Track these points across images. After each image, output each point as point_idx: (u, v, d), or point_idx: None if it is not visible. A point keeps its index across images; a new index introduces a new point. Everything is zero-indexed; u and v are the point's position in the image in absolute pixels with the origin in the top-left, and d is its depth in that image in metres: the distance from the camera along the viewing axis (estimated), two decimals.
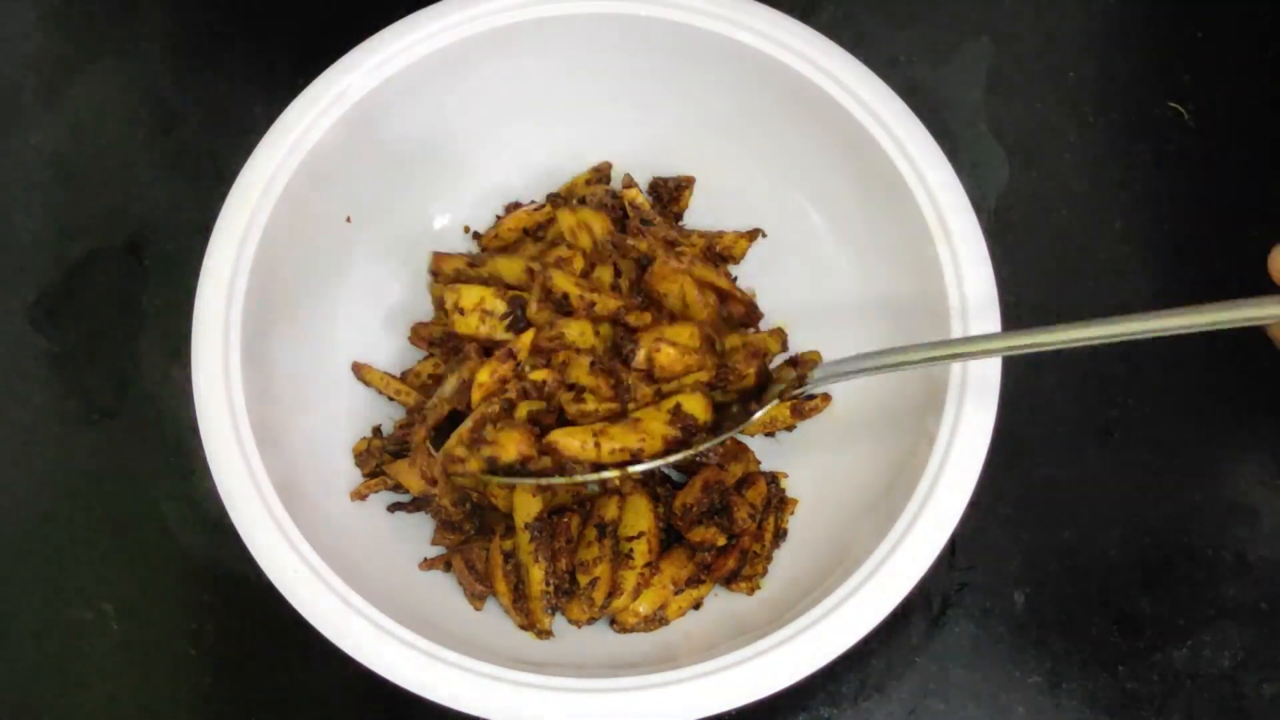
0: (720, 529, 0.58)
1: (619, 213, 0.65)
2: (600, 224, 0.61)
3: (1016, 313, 0.62)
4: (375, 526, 0.60)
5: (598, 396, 0.57)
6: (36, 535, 0.64)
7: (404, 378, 0.63)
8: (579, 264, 0.60)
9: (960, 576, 0.63)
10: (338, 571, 0.53)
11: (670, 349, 0.58)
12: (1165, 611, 0.62)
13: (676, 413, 0.57)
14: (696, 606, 0.59)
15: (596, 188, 0.64)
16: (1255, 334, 0.67)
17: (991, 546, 0.63)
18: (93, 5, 0.77)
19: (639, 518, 0.59)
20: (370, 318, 0.65)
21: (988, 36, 0.74)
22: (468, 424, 0.57)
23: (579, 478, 0.56)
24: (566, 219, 0.62)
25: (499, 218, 0.67)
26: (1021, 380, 0.65)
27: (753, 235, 0.65)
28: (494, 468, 0.56)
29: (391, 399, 0.63)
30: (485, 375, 0.57)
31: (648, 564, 0.58)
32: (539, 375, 0.57)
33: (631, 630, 0.58)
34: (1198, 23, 0.74)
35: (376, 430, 0.63)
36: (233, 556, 0.53)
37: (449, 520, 0.60)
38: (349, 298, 0.64)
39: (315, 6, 0.75)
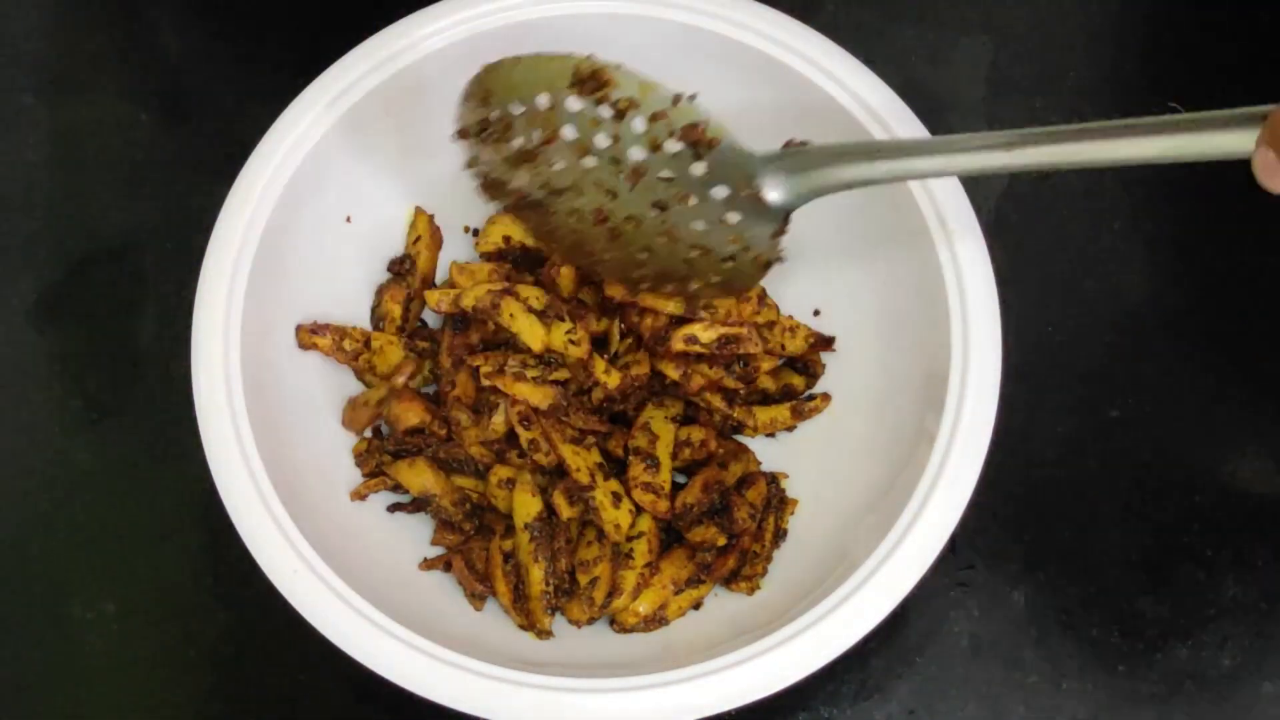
0: (720, 529, 0.58)
1: None
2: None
3: (1016, 313, 0.61)
4: (375, 526, 0.60)
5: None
6: (36, 535, 0.64)
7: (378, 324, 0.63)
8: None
9: (960, 576, 0.63)
10: (338, 571, 0.52)
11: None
12: (1165, 611, 0.62)
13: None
14: (696, 606, 0.59)
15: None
16: (1254, 333, 0.67)
17: (991, 546, 0.63)
18: (93, 5, 0.77)
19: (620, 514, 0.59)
20: (370, 318, 0.65)
21: (988, 36, 0.74)
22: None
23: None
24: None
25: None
26: (1021, 380, 0.65)
27: None
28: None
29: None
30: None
31: (648, 564, 0.58)
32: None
33: (631, 630, 0.58)
34: (1198, 23, 0.74)
35: (376, 430, 0.63)
36: (233, 556, 0.53)
37: (449, 520, 0.60)
38: (349, 298, 0.64)
39: (315, 7, 0.75)
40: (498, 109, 0.56)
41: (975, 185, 0.65)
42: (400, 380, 0.61)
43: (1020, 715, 0.61)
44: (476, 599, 0.59)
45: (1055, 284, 0.69)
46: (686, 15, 0.61)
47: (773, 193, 0.54)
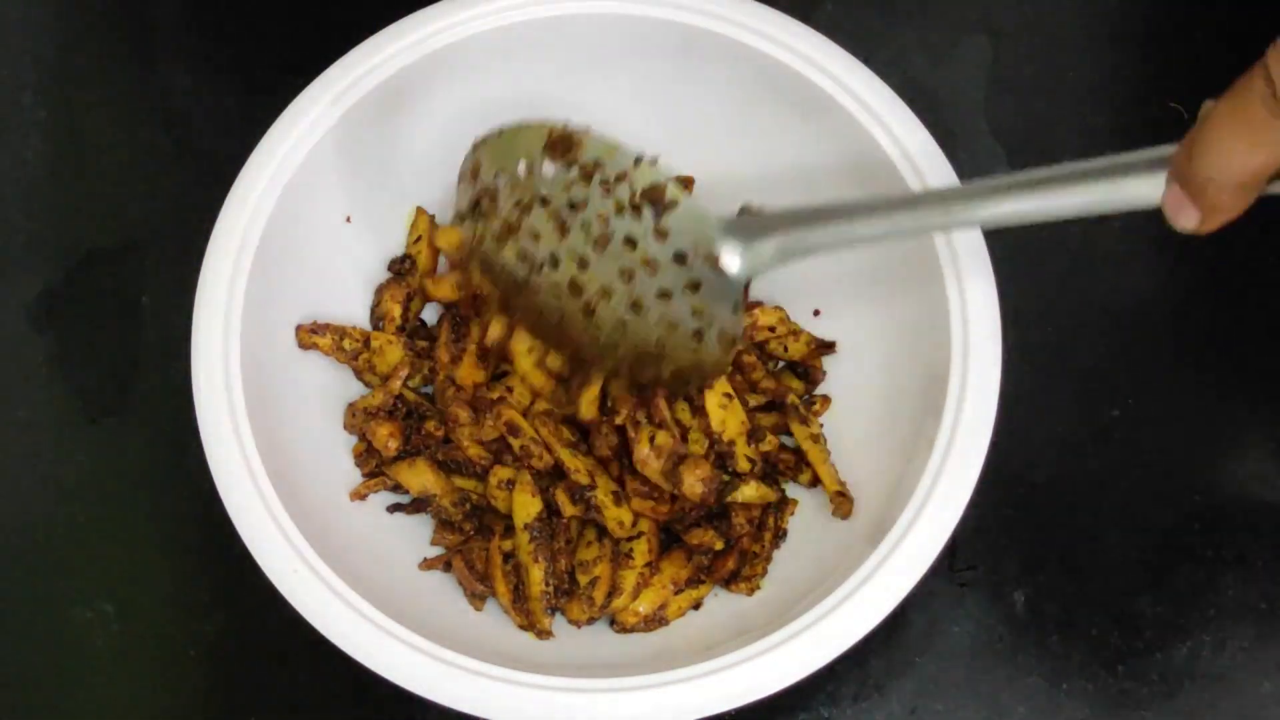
0: (718, 533, 0.58)
1: None
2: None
3: (1017, 313, 0.61)
4: (375, 526, 0.60)
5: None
6: (36, 535, 0.64)
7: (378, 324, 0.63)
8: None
9: (960, 576, 0.63)
10: (338, 571, 0.52)
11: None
12: (1165, 611, 0.62)
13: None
14: (696, 606, 0.59)
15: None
16: (1254, 333, 0.67)
17: (991, 546, 0.63)
18: (93, 5, 0.77)
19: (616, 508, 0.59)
20: (370, 317, 0.65)
21: (987, 36, 0.74)
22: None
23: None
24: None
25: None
26: (1021, 380, 0.65)
27: None
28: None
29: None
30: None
31: (648, 564, 0.58)
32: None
33: (631, 630, 0.58)
34: (1198, 23, 0.74)
35: None
36: (233, 556, 0.53)
37: (449, 520, 0.60)
38: (349, 298, 0.64)
39: (316, 6, 0.75)
40: (485, 183, 0.56)
41: None
42: (396, 384, 0.61)
43: (1020, 715, 0.61)
44: (476, 599, 0.59)
45: (1055, 284, 0.69)
46: (686, 15, 0.61)
47: (730, 260, 0.52)
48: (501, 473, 0.60)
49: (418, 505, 0.61)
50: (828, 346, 0.64)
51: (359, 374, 0.63)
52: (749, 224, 0.53)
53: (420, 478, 0.59)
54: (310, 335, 0.60)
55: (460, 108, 0.64)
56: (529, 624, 0.58)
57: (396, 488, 0.61)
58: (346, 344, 0.61)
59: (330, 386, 0.62)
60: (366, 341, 0.62)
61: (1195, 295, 0.68)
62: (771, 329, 0.62)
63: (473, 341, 0.61)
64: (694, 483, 0.57)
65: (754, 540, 0.60)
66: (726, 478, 0.58)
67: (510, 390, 0.61)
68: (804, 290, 0.65)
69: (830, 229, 0.51)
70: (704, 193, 0.67)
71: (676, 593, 0.59)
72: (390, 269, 0.65)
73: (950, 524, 0.53)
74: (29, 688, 0.61)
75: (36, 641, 0.62)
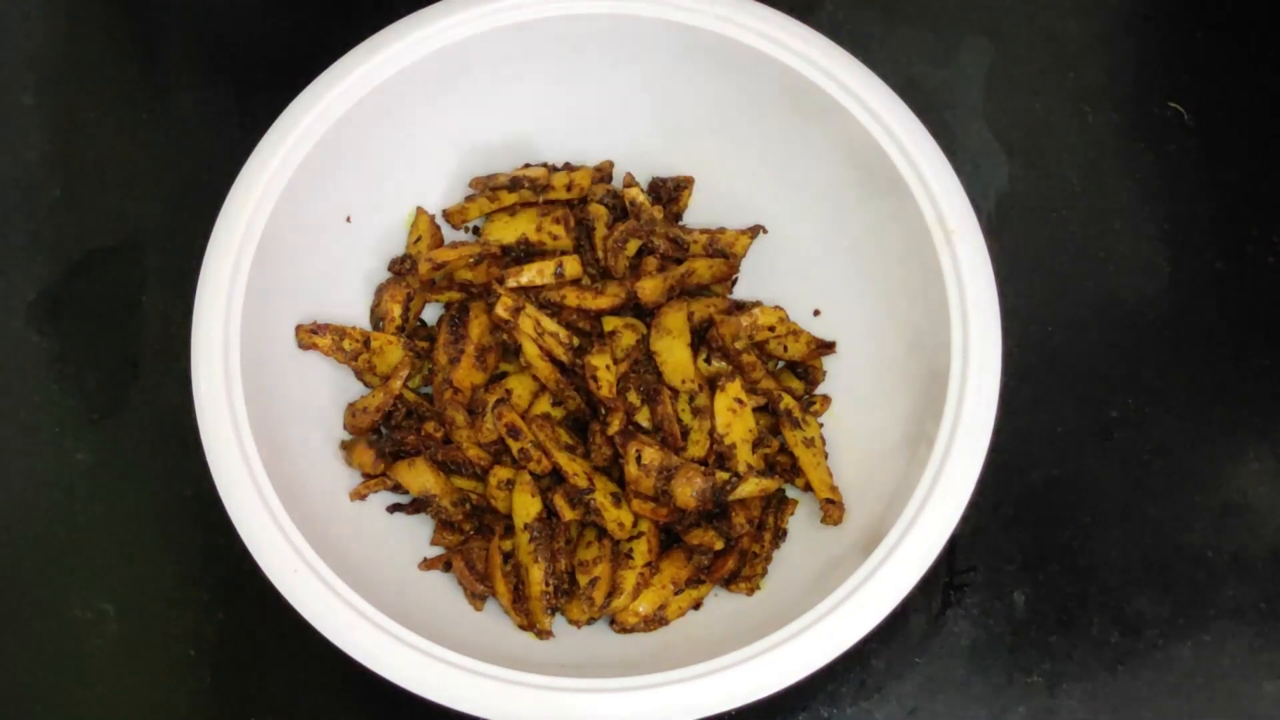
0: (718, 533, 0.58)
1: (620, 212, 0.65)
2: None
3: (1017, 313, 0.62)
4: (375, 526, 0.60)
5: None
6: (36, 535, 0.64)
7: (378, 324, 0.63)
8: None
9: (960, 577, 0.63)
10: (338, 571, 0.52)
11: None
12: (1165, 611, 0.62)
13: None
14: (696, 606, 0.59)
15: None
16: (1254, 333, 0.68)
17: (991, 546, 0.63)
18: (93, 5, 0.77)
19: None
20: (370, 318, 0.65)
21: (988, 36, 0.74)
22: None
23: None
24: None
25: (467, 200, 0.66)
26: (1021, 380, 0.65)
27: (754, 232, 0.65)
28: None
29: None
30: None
31: (648, 564, 0.58)
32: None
33: (631, 630, 0.58)
34: (1198, 23, 0.74)
35: (376, 431, 0.63)
36: (233, 556, 0.53)
37: (449, 520, 0.60)
38: (349, 298, 0.64)
39: (316, 6, 0.75)
40: None
41: (975, 185, 0.65)
42: (396, 384, 0.60)
43: (1020, 715, 0.61)
44: (476, 599, 0.59)
45: (1055, 284, 0.69)
46: (686, 15, 0.61)
47: None
48: (501, 473, 0.60)
49: (418, 505, 0.61)
50: (828, 346, 0.64)
51: (359, 374, 0.63)
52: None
53: (420, 478, 0.59)
54: (310, 335, 0.61)
55: (460, 108, 0.64)
56: (529, 624, 0.58)
57: (396, 488, 0.61)
58: (346, 344, 0.61)
59: (330, 386, 0.62)
60: (366, 342, 0.62)
61: (1195, 295, 0.68)
62: (771, 329, 0.62)
63: (471, 343, 0.61)
64: (687, 496, 0.57)
65: (754, 540, 0.60)
66: (726, 475, 0.58)
67: (509, 392, 0.61)
68: (804, 290, 0.65)
69: None
70: (704, 193, 0.67)
71: (676, 593, 0.59)
72: (390, 269, 0.65)
73: (950, 524, 0.53)
74: (29, 688, 0.61)
75: (36, 641, 0.62)
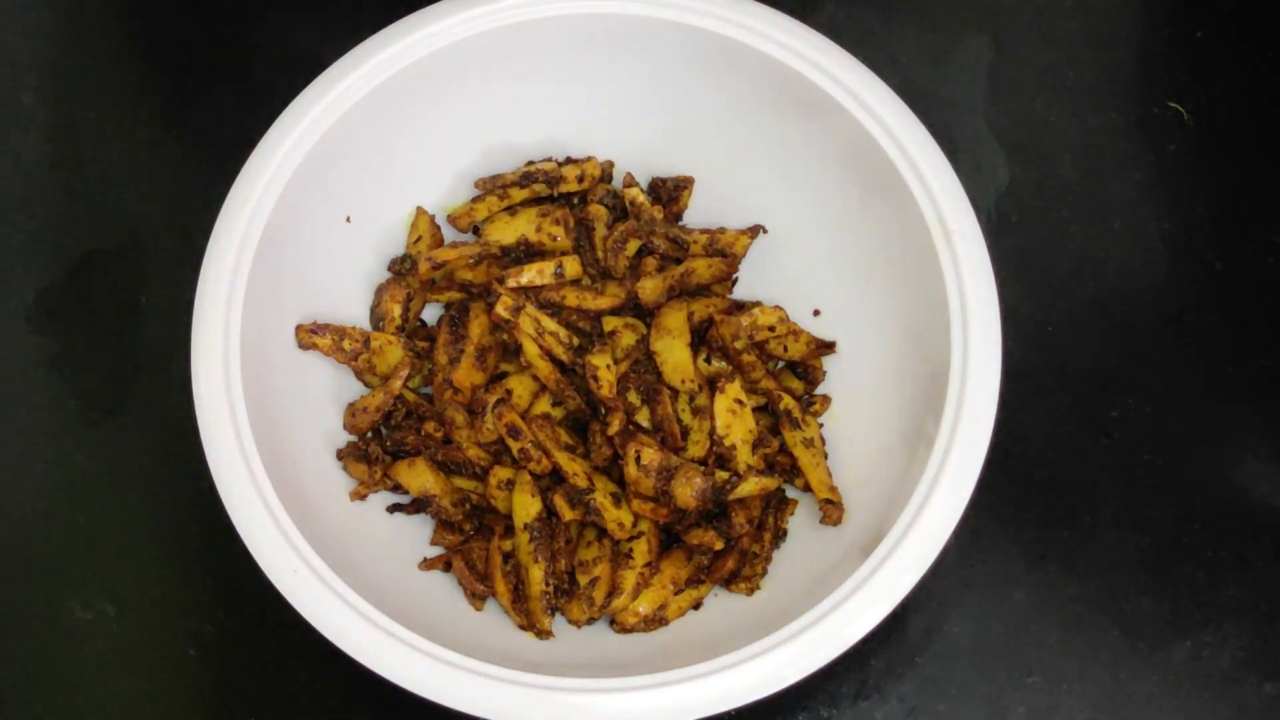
0: (718, 533, 0.58)
1: (620, 212, 0.66)
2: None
3: (1016, 313, 0.62)
4: (375, 526, 0.60)
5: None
6: (36, 535, 0.64)
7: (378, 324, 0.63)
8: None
9: (960, 576, 0.63)
10: (338, 571, 0.53)
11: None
12: (1165, 611, 0.62)
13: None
14: (696, 606, 0.59)
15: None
16: (1254, 333, 0.68)
17: (991, 546, 0.63)
18: (93, 5, 0.77)
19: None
20: (370, 317, 0.65)
21: (987, 36, 0.74)
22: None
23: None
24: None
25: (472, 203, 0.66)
26: (1021, 380, 0.65)
27: (754, 232, 0.65)
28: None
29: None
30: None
31: (647, 564, 0.58)
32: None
33: (631, 630, 0.58)
34: (1198, 23, 0.74)
35: (376, 431, 0.63)
36: (233, 556, 0.53)
37: (449, 520, 0.60)
38: (349, 298, 0.64)
39: (315, 6, 0.75)
40: None
41: (975, 185, 0.65)
42: (396, 385, 0.60)
43: (1020, 715, 0.61)
44: (476, 599, 0.59)
45: (1055, 284, 0.69)
46: (687, 15, 0.61)
47: None
48: (501, 473, 0.60)
49: (418, 505, 0.61)
50: (828, 346, 0.64)
51: (359, 374, 0.63)
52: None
53: (420, 478, 0.59)
54: (310, 335, 0.61)
55: (460, 108, 0.64)
56: (529, 624, 0.58)
57: (396, 488, 0.61)
58: (346, 344, 0.61)
59: (330, 386, 0.62)
60: (366, 342, 0.62)
61: (1195, 295, 0.68)
62: (771, 329, 0.62)
63: (471, 343, 0.61)
64: (687, 496, 0.57)
65: (754, 540, 0.60)
66: (725, 475, 0.58)
67: (509, 392, 0.61)
68: (804, 290, 0.65)
69: None
70: (704, 193, 0.67)
71: (676, 593, 0.59)
72: (390, 269, 0.65)
73: (950, 524, 0.53)
74: (29, 688, 0.61)
75: (36, 641, 0.62)
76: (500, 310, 0.60)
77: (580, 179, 0.65)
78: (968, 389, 0.55)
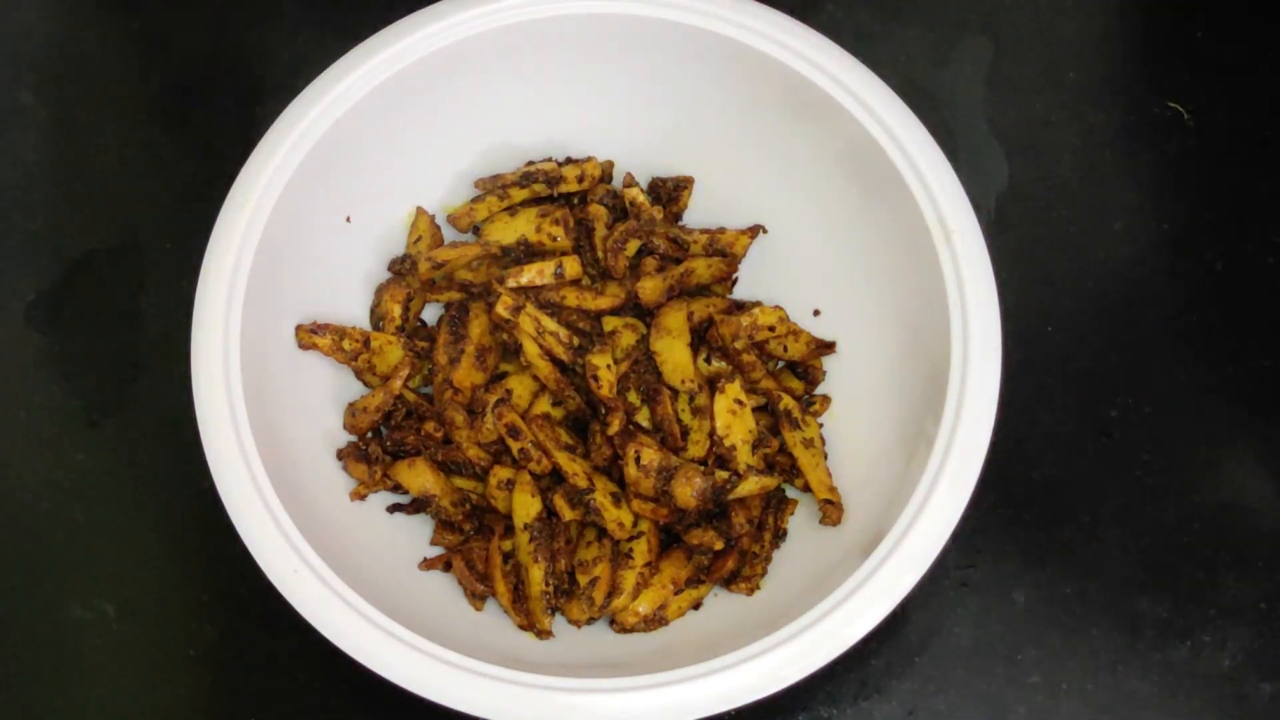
0: (718, 533, 0.58)
1: (620, 212, 0.65)
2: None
3: (1016, 313, 0.62)
4: (375, 526, 0.60)
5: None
6: (36, 535, 0.64)
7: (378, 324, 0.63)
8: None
9: (960, 576, 0.63)
10: (338, 571, 0.52)
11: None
12: (1165, 611, 0.62)
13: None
14: (696, 606, 0.59)
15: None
16: (1254, 333, 0.68)
17: (991, 546, 0.63)
18: (93, 5, 0.77)
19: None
20: (370, 317, 0.65)
21: (987, 36, 0.74)
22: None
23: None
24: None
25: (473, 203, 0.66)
26: (1021, 380, 0.65)
27: (754, 232, 0.65)
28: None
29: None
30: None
31: (647, 564, 0.58)
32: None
33: (631, 630, 0.58)
34: (1198, 23, 0.74)
35: (376, 431, 0.63)
36: (233, 556, 0.53)
37: (449, 520, 0.60)
38: (349, 298, 0.64)
39: (316, 6, 0.75)
40: None
41: (975, 185, 0.65)
42: (396, 385, 0.60)
43: (1020, 715, 0.61)
44: (476, 599, 0.59)
45: (1055, 284, 0.69)
46: (686, 15, 0.61)
47: None
48: (501, 473, 0.60)
49: (418, 505, 0.61)
50: (828, 346, 0.64)
51: (359, 374, 0.63)
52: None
53: (420, 478, 0.59)
54: (310, 335, 0.61)
55: (460, 108, 0.64)
56: (529, 624, 0.58)
57: (396, 488, 0.61)
58: (346, 344, 0.61)
59: (330, 386, 0.62)
60: (366, 342, 0.62)
61: (1195, 295, 0.68)
62: (771, 329, 0.62)
63: (471, 343, 0.61)
64: (687, 495, 0.57)
65: (754, 540, 0.60)
66: (725, 475, 0.58)
67: (509, 392, 0.61)
68: (804, 290, 0.65)
69: None
70: (704, 193, 0.67)
71: (676, 593, 0.59)
72: (390, 269, 0.65)
73: (950, 524, 0.53)
74: (29, 688, 0.61)
75: (36, 641, 0.62)
76: (500, 310, 0.60)
77: (580, 179, 0.65)
78: (968, 389, 0.55)
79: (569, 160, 0.66)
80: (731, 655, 0.51)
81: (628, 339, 0.62)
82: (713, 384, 0.60)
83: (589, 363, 0.59)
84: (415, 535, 0.61)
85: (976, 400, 0.55)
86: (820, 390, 0.64)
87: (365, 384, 0.63)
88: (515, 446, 0.59)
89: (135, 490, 0.65)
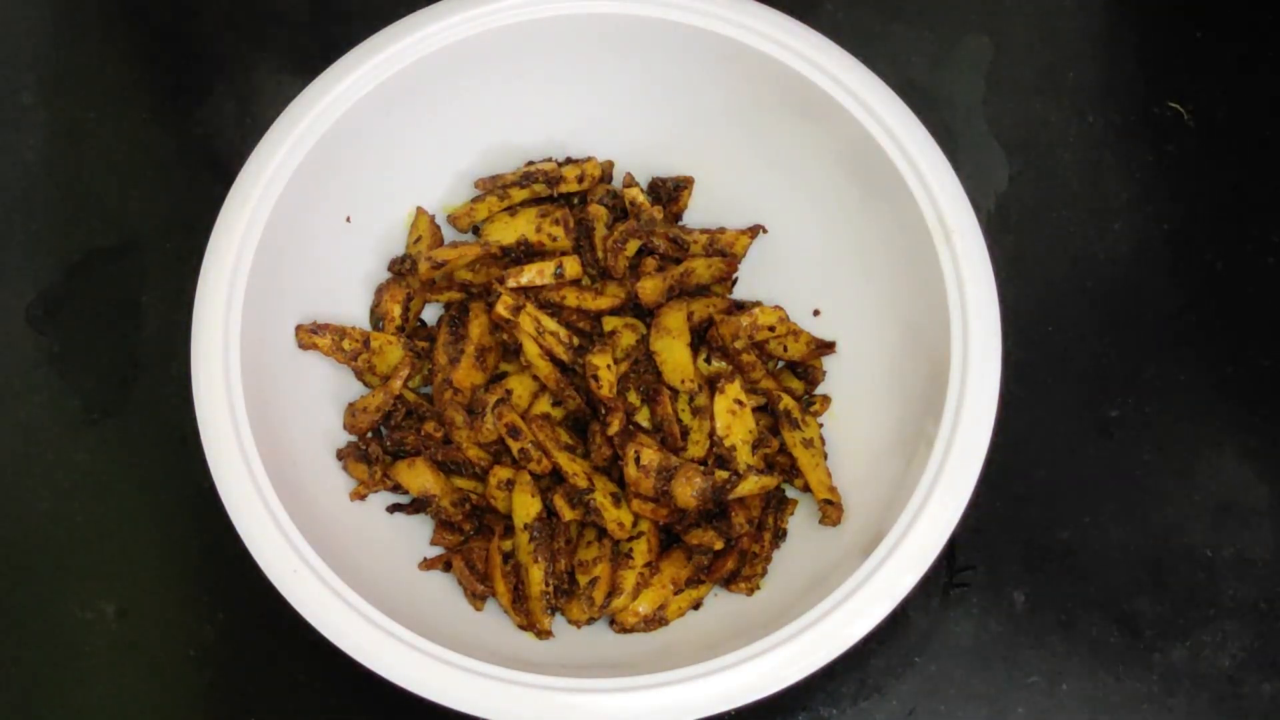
0: (718, 533, 0.58)
1: (620, 212, 0.65)
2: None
3: (1017, 313, 0.62)
4: (375, 526, 0.60)
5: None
6: (36, 535, 0.64)
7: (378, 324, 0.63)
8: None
9: (960, 576, 0.63)
10: (338, 571, 0.53)
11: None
12: (1165, 611, 0.62)
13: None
14: (696, 606, 0.59)
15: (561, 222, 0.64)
16: (1254, 333, 0.68)
17: (991, 546, 0.63)
18: (93, 5, 0.77)
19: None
20: (370, 317, 0.65)
21: (987, 36, 0.74)
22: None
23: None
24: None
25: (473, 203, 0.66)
26: (1021, 380, 0.65)
27: (754, 232, 0.65)
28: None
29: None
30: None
31: (647, 564, 0.58)
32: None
33: (631, 630, 0.58)
34: (1198, 23, 0.74)
35: (376, 431, 0.63)
36: (233, 556, 0.53)
37: (449, 520, 0.60)
38: (349, 298, 0.64)
39: (316, 6, 0.75)
40: None
41: (975, 185, 0.65)
42: (396, 385, 0.61)
43: (1020, 715, 0.61)
44: (476, 599, 0.59)
45: (1055, 284, 0.69)
46: (686, 15, 0.61)
47: None
48: (501, 473, 0.60)
49: (418, 505, 0.61)
50: (828, 346, 0.64)
51: (359, 374, 0.63)
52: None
53: (420, 478, 0.59)
54: (310, 335, 0.61)
55: (460, 108, 0.64)
56: (529, 624, 0.58)
57: (396, 488, 0.61)
58: (346, 344, 0.61)
59: (330, 386, 0.62)
60: (366, 342, 0.62)
61: (1195, 295, 0.68)
62: (771, 329, 0.62)
63: (471, 343, 0.61)
64: (687, 495, 0.57)
65: (754, 540, 0.60)
66: (725, 475, 0.58)
67: (509, 392, 0.61)
68: (804, 290, 0.65)
69: None
70: (704, 193, 0.67)
71: (676, 593, 0.59)
72: (390, 269, 0.65)
73: (950, 524, 0.53)
74: (29, 688, 0.61)
75: (36, 641, 0.62)
76: (500, 310, 0.60)
77: (580, 179, 0.65)
78: (968, 389, 0.55)
79: (569, 160, 0.66)
80: (731, 655, 0.51)
81: (628, 339, 0.62)
82: (713, 384, 0.60)
83: (589, 363, 0.59)
84: (415, 535, 0.61)
85: (976, 400, 0.55)
86: (820, 390, 0.64)
87: (365, 384, 0.63)
88: (515, 446, 0.59)
89: (135, 490, 0.65)
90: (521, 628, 0.58)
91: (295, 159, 0.59)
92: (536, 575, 0.57)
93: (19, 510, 0.64)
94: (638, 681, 0.51)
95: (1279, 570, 0.63)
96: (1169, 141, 0.72)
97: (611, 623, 0.59)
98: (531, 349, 0.60)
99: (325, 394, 0.62)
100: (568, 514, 0.58)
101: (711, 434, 0.59)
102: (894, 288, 0.61)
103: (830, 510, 0.59)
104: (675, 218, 0.67)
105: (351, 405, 0.62)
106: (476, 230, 0.66)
